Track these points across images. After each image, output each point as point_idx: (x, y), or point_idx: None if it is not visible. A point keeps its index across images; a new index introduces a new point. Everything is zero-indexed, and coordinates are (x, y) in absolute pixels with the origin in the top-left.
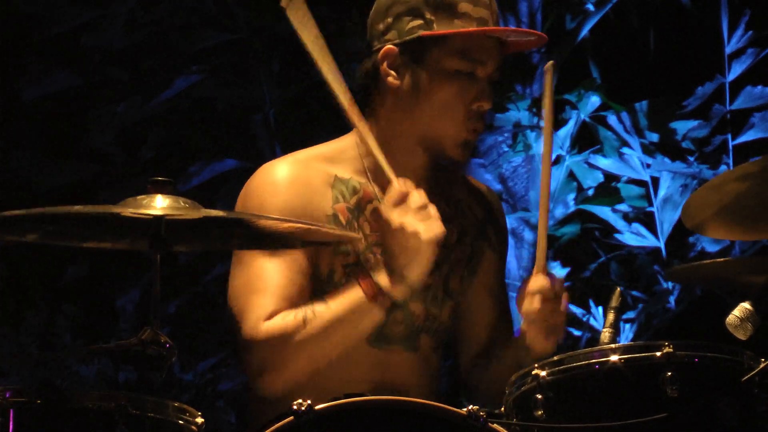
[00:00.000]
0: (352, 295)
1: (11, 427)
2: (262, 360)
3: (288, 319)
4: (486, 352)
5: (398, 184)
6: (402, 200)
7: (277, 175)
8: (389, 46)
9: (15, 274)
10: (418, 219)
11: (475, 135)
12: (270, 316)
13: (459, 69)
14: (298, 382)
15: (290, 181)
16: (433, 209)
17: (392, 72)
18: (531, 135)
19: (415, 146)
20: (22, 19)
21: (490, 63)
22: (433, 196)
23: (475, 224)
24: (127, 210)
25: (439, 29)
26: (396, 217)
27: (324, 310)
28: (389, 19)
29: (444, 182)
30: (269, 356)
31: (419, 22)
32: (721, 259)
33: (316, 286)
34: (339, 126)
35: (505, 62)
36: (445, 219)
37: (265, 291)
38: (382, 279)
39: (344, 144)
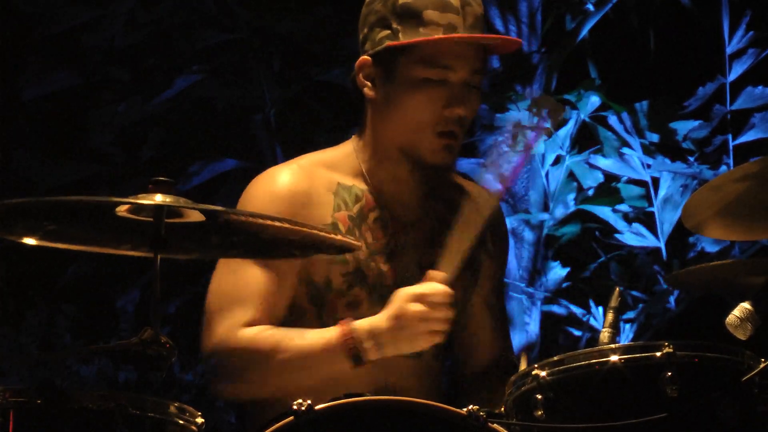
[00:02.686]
0: (327, 333)
1: (11, 427)
2: (224, 366)
3: (262, 336)
4: (485, 374)
5: (440, 281)
6: (433, 297)
7: (277, 184)
8: (364, 57)
9: (15, 274)
10: (431, 318)
11: (455, 139)
12: (248, 325)
13: (428, 77)
14: (253, 396)
15: (289, 191)
16: (448, 314)
17: (368, 83)
18: (531, 135)
19: (398, 155)
20: (22, 19)
21: (461, 68)
22: (433, 202)
23: None
24: (126, 199)
25: (405, 38)
26: (412, 305)
27: (297, 339)
28: (366, 29)
29: (443, 188)
30: (231, 364)
31: (387, 32)
32: (720, 262)
33: (313, 293)
34: (339, 126)
35: (507, 63)
36: (448, 224)
37: (247, 301)
38: (361, 332)
39: (345, 150)
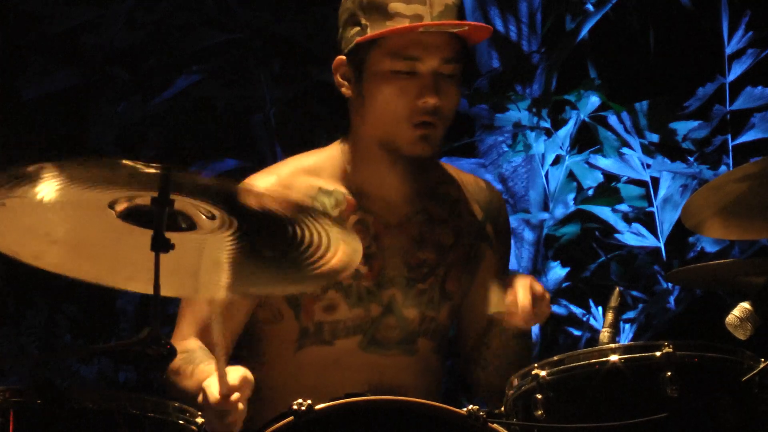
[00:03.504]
0: (200, 375)
1: (11, 427)
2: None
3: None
4: (478, 343)
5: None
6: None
7: None
8: (339, 57)
9: (15, 274)
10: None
11: (432, 129)
12: (193, 334)
13: (396, 69)
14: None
15: None
16: (239, 411)
17: (344, 82)
18: (531, 135)
19: (379, 151)
20: (22, 19)
21: (430, 58)
22: (426, 199)
23: (474, 224)
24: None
25: (372, 33)
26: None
27: (189, 373)
28: (341, 30)
29: (438, 183)
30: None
31: (357, 28)
32: (721, 261)
33: (288, 295)
34: (339, 126)
35: (507, 62)
36: (440, 221)
37: (193, 317)
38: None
39: (330, 153)
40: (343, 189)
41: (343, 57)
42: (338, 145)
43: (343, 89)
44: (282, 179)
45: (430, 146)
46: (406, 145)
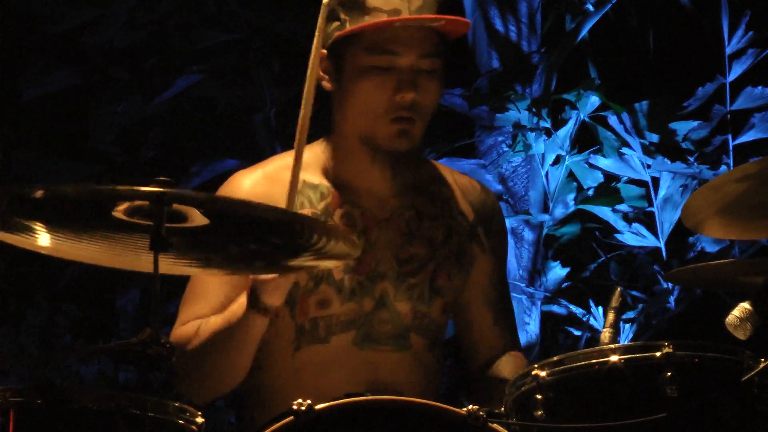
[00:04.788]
0: (239, 300)
1: (11, 427)
2: (173, 364)
3: (188, 327)
4: (488, 364)
5: None
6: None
7: (235, 189)
8: (321, 50)
9: (15, 273)
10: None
11: (410, 124)
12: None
13: (374, 64)
14: (205, 391)
15: (247, 195)
16: (284, 280)
17: (326, 76)
18: (531, 135)
19: (359, 145)
20: (22, 19)
21: (408, 53)
22: (415, 195)
23: (465, 225)
24: (127, 186)
25: (350, 27)
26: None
27: (214, 319)
28: (324, 25)
29: (429, 180)
30: (174, 362)
31: (336, 23)
32: (721, 261)
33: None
34: None
35: (507, 63)
36: (430, 217)
37: (197, 299)
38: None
39: (314, 149)
40: (328, 183)
41: (324, 51)
42: (323, 141)
43: (324, 83)
44: (267, 174)
45: (409, 141)
46: (384, 140)
